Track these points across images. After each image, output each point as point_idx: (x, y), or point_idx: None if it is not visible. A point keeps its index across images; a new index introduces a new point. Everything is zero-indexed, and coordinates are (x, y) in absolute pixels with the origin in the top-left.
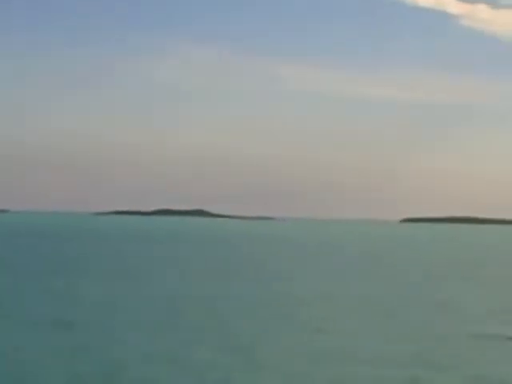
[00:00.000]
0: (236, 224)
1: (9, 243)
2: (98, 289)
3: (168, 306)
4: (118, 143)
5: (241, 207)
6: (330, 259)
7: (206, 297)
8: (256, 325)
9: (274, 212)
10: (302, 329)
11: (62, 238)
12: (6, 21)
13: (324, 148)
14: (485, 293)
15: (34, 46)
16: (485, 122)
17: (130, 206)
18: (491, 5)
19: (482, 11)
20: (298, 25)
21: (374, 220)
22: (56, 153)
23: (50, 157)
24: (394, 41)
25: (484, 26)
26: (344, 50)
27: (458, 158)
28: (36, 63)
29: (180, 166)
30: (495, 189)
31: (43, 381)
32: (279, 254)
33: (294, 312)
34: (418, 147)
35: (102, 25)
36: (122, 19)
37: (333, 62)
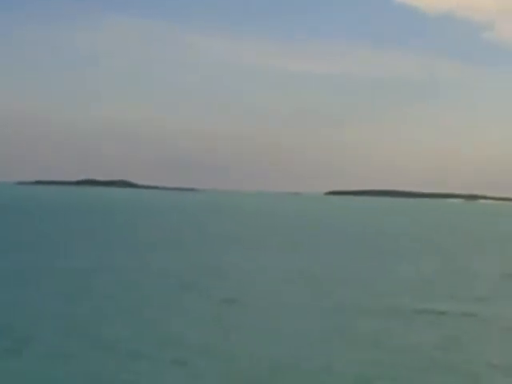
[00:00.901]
0: (159, 194)
1: None
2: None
3: (69, 279)
4: (42, 117)
5: (164, 178)
6: (248, 230)
7: (118, 268)
8: (165, 296)
9: (199, 184)
10: (213, 301)
11: None
12: None
13: (246, 122)
14: (403, 267)
15: None
16: (411, 94)
17: (54, 177)
18: None
19: None
20: None
21: (299, 193)
22: None
23: None
24: (319, 13)
25: (415, 3)
26: (267, 22)
27: (383, 131)
28: None
29: (104, 138)
30: (421, 162)
31: None
32: (201, 225)
33: (208, 283)
34: (343, 120)
35: None
36: None
37: (256, 34)
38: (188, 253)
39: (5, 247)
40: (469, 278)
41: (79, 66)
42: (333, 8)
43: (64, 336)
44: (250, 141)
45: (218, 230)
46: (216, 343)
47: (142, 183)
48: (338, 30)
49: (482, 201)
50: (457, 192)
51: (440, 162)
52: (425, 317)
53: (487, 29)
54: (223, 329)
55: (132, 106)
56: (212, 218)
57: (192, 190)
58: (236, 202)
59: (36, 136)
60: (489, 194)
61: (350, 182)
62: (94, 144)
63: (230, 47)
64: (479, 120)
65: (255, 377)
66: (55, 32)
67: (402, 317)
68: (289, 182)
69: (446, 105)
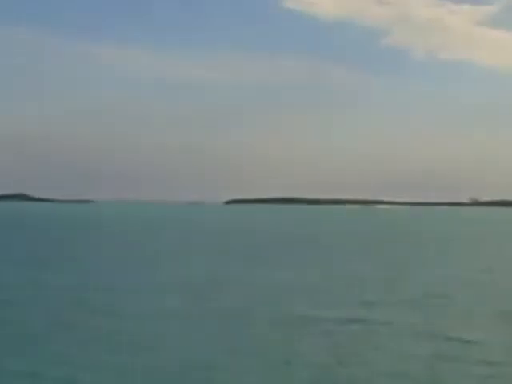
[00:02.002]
0: (54, 207)
1: None
2: None
3: None
4: None
5: (62, 191)
6: (137, 242)
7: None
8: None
9: (96, 195)
10: (98, 315)
11: None
12: None
13: (146, 131)
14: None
15: None
16: (307, 101)
17: None
18: None
19: None
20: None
21: (199, 202)
22: None
23: None
24: (213, 20)
25: (305, 7)
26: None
27: (280, 139)
28: None
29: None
30: (320, 169)
31: None
32: (93, 238)
33: (95, 298)
34: (239, 129)
35: None
36: None
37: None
38: (75, 268)
39: None
40: (356, 282)
41: None
42: (229, 20)
43: None
44: (154, 152)
45: (104, 241)
46: (101, 358)
47: (39, 196)
48: (237, 41)
49: (379, 206)
50: (354, 198)
51: (336, 168)
52: (311, 324)
53: (384, 36)
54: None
55: (29, 116)
56: (102, 230)
57: (90, 201)
58: (134, 213)
59: None
60: (385, 199)
61: (251, 191)
62: None
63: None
64: (375, 126)
65: None
66: None
67: (288, 324)
68: (189, 192)
69: (343, 111)
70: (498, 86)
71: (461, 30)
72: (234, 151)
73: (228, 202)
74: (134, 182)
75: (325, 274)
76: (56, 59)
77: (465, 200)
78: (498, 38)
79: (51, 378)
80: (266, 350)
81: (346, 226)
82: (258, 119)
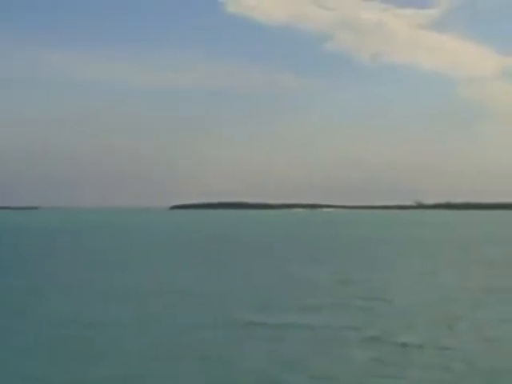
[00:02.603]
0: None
1: None
2: None
3: None
4: None
5: (8, 197)
6: (79, 248)
7: None
8: None
9: (40, 201)
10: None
11: None
12: None
13: (93, 136)
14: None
15: None
16: (249, 106)
17: None
18: None
19: None
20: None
21: (144, 208)
22: None
23: None
24: (153, 24)
25: (247, 12)
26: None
27: (221, 143)
28: None
29: None
30: (268, 173)
31: None
32: (31, 245)
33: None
34: (183, 134)
35: None
36: None
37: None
38: (15, 274)
39: None
40: (297, 286)
41: None
42: (169, 23)
43: None
44: (99, 156)
45: (46, 248)
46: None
47: None
48: (175, 43)
49: (325, 209)
50: (301, 202)
51: (284, 172)
52: (256, 329)
53: (328, 40)
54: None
55: None
56: (47, 237)
57: (34, 208)
58: (79, 219)
59: None
60: (332, 203)
61: (197, 196)
62: None
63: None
64: (320, 131)
65: None
66: None
67: (233, 329)
68: (135, 197)
69: (288, 116)
70: (442, 89)
71: (404, 33)
72: (182, 156)
73: (174, 208)
74: (80, 187)
75: (268, 278)
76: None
77: (410, 203)
78: (441, 40)
79: None
80: (206, 355)
81: (291, 229)
82: (207, 125)
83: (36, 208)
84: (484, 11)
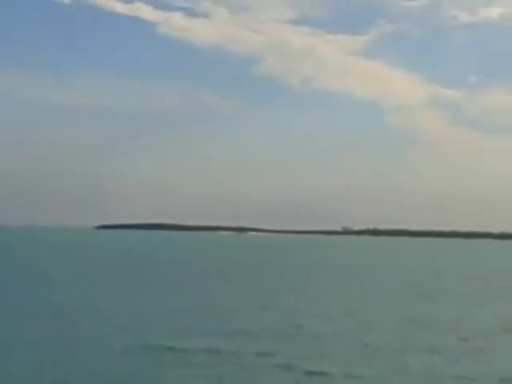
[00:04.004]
0: None
1: None
2: None
3: None
4: None
5: None
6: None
7: None
8: None
9: None
10: None
11: None
12: None
13: (13, 154)
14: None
15: None
16: (177, 128)
17: None
18: (187, 13)
19: (179, 19)
20: None
21: (68, 227)
22: None
23: None
24: (86, 47)
25: (180, 34)
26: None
27: (149, 164)
28: None
29: None
30: (193, 195)
31: None
32: None
33: None
34: (106, 153)
35: None
36: None
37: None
38: None
39: None
40: (221, 310)
41: None
42: (97, 42)
43: None
44: (22, 174)
45: None
46: None
47: None
48: (106, 66)
49: (252, 233)
50: (228, 225)
51: (210, 196)
52: (164, 354)
53: (258, 63)
54: None
55: None
56: None
57: None
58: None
59: None
60: (259, 227)
61: (122, 216)
62: None
63: None
64: (244, 155)
65: None
66: None
67: (140, 354)
68: (59, 216)
69: (214, 138)
70: (371, 116)
71: (335, 59)
72: (106, 176)
73: (99, 227)
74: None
75: (187, 300)
76: None
77: (338, 229)
78: (372, 68)
79: None
80: (119, 379)
81: (213, 251)
82: (130, 145)
83: None
84: (413, 39)
